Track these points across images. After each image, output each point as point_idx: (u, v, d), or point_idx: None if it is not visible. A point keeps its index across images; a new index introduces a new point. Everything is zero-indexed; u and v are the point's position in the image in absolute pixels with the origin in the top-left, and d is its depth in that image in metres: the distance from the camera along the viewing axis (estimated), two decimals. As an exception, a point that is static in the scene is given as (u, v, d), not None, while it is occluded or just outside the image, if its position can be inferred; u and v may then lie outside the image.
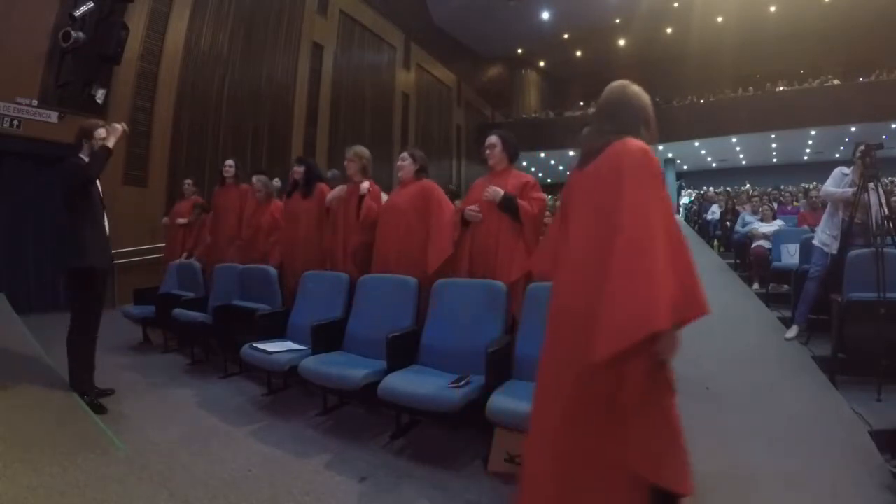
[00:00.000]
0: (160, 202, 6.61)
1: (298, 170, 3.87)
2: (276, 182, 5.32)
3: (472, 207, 2.87)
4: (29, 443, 2.34)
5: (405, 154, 3.23)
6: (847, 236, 3.37)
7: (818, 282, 3.57)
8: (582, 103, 20.79)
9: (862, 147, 3.37)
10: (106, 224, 3.17)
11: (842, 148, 15.77)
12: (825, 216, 3.68)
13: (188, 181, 5.58)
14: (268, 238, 4.15)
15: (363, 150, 3.52)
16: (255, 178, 4.38)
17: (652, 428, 1.36)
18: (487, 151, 2.95)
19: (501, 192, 2.77)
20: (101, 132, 3.03)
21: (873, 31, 16.34)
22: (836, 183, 3.60)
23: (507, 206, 2.76)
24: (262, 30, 8.77)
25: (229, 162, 4.66)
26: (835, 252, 3.47)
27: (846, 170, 3.62)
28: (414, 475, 2.19)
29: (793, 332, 3.72)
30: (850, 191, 3.45)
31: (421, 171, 3.22)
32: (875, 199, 3.22)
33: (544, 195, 2.93)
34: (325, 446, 2.48)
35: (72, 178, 2.93)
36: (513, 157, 2.98)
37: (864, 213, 3.34)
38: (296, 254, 3.79)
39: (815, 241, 3.69)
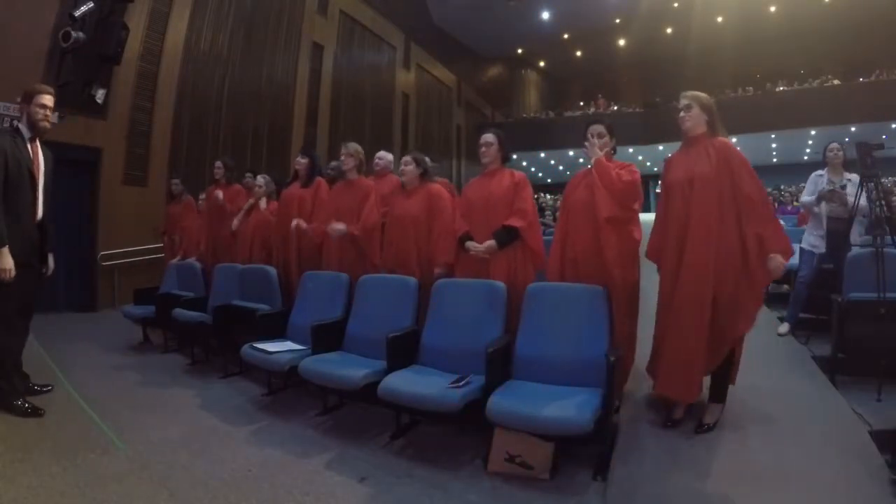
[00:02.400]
0: (160, 202, 6.60)
1: (302, 161, 3.91)
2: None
3: (476, 246, 2.82)
4: (29, 443, 2.35)
5: (408, 158, 3.20)
6: (837, 234, 3.40)
7: (807, 285, 3.59)
8: (582, 103, 20.81)
9: (833, 145, 3.66)
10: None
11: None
12: (811, 217, 3.72)
13: (176, 181, 5.56)
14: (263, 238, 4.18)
15: (359, 148, 3.58)
16: (258, 177, 4.39)
17: None
18: (483, 149, 2.94)
19: (492, 244, 2.75)
20: (45, 99, 2.69)
21: (873, 31, 16.34)
22: (812, 188, 3.70)
23: (506, 241, 2.77)
24: (262, 30, 8.77)
25: (217, 163, 4.74)
26: (823, 251, 3.49)
27: (820, 172, 3.68)
28: (414, 475, 2.19)
29: (784, 328, 3.75)
30: (812, 198, 3.63)
31: (425, 175, 3.23)
32: (864, 196, 3.26)
33: (531, 191, 2.94)
34: (325, 446, 2.48)
35: None
36: (506, 157, 2.99)
37: (840, 203, 3.44)
38: (288, 240, 3.83)
39: (802, 245, 3.69)
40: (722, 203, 2.28)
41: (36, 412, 2.64)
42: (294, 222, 3.62)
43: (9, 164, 2.56)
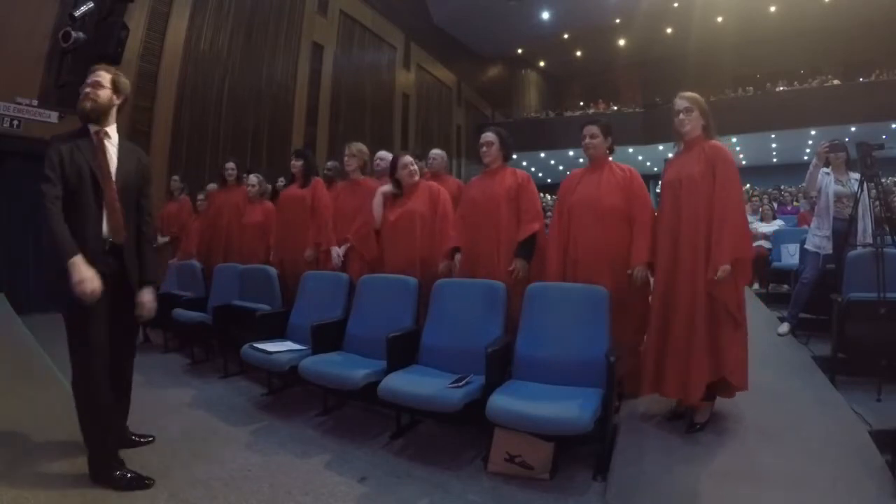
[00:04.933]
0: (160, 202, 6.60)
1: (297, 164, 3.91)
2: (282, 181, 5.32)
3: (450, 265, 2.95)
4: (29, 443, 2.35)
5: (409, 159, 3.21)
6: (841, 234, 3.40)
7: (811, 286, 3.58)
8: (582, 103, 20.79)
9: (825, 144, 3.62)
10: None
11: (842, 148, 15.74)
12: (815, 218, 3.70)
13: (175, 177, 5.59)
14: (261, 236, 4.20)
15: (364, 148, 3.60)
16: (251, 176, 4.40)
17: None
18: (483, 149, 2.95)
19: (524, 264, 2.77)
20: (95, 75, 2.10)
21: (873, 30, 16.33)
22: (814, 185, 3.69)
23: (532, 252, 2.80)
24: (262, 30, 8.78)
25: (230, 164, 4.70)
26: (830, 252, 3.48)
27: (826, 170, 3.67)
28: (414, 475, 2.19)
29: (784, 328, 3.75)
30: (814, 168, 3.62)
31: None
32: (866, 197, 3.26)
33: (536, 190, 2.94)
34: (325, 446, 2.48)
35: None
36: (508, 156, 2.99)
37: (848, 206, 3.41)
38: (287, 240, 3.84)
39: (807, 245, 3.68)
40: (709, 205, 2.28)
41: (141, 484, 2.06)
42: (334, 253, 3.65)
43: (66, 170, 1.97)
